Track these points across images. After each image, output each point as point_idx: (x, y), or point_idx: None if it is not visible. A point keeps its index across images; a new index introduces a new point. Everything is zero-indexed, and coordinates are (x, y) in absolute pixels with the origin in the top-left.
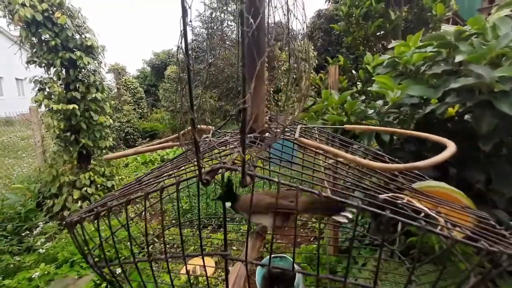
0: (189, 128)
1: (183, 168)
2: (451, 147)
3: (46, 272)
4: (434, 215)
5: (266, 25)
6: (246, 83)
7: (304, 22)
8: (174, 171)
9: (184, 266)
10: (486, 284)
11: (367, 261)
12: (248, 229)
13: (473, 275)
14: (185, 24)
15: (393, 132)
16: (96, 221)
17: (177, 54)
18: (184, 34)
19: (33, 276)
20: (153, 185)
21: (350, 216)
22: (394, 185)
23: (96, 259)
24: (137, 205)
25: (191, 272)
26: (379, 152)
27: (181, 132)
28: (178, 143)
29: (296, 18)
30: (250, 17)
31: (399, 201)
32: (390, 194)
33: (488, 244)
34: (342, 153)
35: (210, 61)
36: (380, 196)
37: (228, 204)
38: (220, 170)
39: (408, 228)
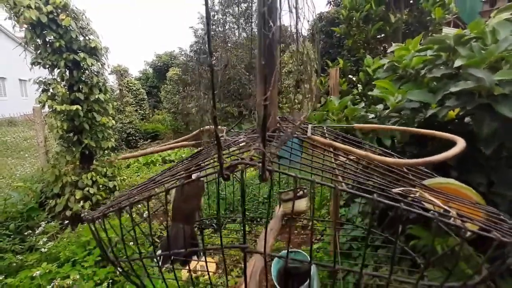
0: (205, 127)
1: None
2: (460, 143)
3: (48, 271)
4: (446, 208)
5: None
6: (267, 79)
7: (313, 24)
8: (192, 167)
9: (186, 266)
10: (494, 279)
11: (368, 262)
12: (266, 224)
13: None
14: (209, 30)
15: (403, 130)
16: (119, 216)
17: (198, 58)
18: (208, 39)
19: (35, 274)
20: (170, 182)
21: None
22: (405, 181)
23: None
24: (140, 205)
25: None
26: (386, 150)
27: (200, 129)
28: (193, 142)
29: (308, 21)
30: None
31: (411, 195)
32: (402, 188)
33: (500, 235)
34: (355, 150)
35: (224, 63)
36: (393, 190)
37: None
38: (240, 166)
39: (410, 232)
